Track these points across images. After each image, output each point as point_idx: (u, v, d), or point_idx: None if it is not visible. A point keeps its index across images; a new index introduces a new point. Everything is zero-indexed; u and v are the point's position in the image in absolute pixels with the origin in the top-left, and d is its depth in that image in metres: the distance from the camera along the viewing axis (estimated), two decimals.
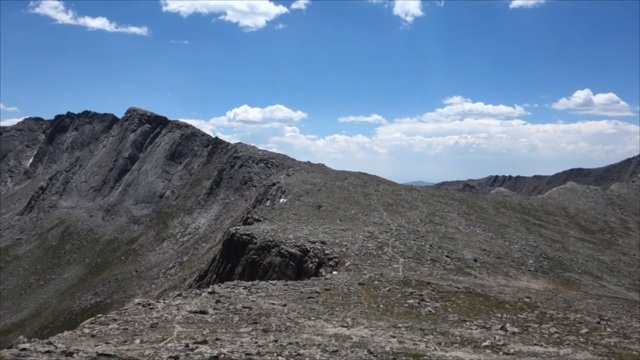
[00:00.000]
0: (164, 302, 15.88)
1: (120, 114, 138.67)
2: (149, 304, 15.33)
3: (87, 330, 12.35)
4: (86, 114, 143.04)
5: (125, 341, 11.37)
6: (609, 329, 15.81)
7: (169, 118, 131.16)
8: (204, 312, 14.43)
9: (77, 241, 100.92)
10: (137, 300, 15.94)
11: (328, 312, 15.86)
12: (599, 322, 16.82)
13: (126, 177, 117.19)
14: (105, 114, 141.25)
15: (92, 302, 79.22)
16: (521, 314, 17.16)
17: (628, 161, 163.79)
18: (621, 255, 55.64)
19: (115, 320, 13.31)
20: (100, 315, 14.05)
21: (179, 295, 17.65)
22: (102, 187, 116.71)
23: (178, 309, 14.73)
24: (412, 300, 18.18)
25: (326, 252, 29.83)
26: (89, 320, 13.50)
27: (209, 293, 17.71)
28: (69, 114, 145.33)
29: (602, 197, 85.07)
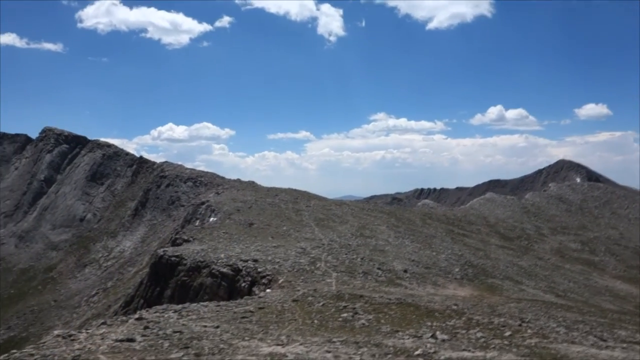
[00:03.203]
0: (87, 332, 14.95)
1: (34, 135, 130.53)
2: (70, 335, 14.37)
3: None
4: None
5: None
6: (529, 331, 16.73)
7: (89, 138, 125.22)
8: (131, 340, 13.73)
9: None
10: (56, 332, 14.89)
11: (262, 331, 15.62)
12: (520, 325, 17.76)
13: (42, 200, 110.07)
14: (18, 135, 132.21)
15: (5, 337, 73.11)
16: (450, 321, 17.77)
17: (539, 172, 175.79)
18: (537, 260, 59.39)
19: (32, 355, 12.34)
20: (14, 351, 12.96)
21: (103, 323, 16.68)
22: (15, 212, 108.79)
23: (102, 339, 13.91)
24: (345, 314, 18.32)
25: (259, 270, 29.47)
26: (2, 357, 12.42)
27: (136, 319, 16.89)
28: None
29: (518, 206, 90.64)
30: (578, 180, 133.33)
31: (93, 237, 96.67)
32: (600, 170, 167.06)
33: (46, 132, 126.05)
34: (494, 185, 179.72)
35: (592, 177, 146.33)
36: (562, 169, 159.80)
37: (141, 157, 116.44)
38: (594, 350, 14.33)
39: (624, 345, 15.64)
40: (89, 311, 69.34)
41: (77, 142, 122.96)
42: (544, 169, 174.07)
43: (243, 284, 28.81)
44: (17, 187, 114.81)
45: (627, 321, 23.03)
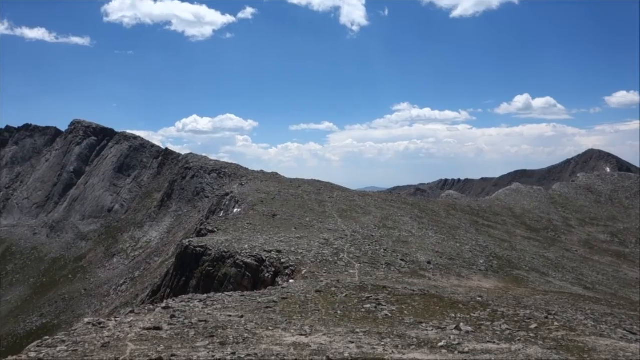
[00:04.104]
0: (116, 320, 15.33)
1: (63, 127, 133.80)
2: (100, 323, 14.76)
3: (33, 354, 11.74)
4: (27, 127, 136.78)
5: None
6: (556, 323, 16.49)
7: (116, 130, 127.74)
8: (158, 328, 14.02)
9: (20, 261, 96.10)
10: (86, 320, 15.31)
11: (286, 321, 15.77)
12: (546, 317, 17.51)
13: (72, 191, 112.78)
14: (48, 127, 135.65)
15: (38, 324, 75.52)
16: (474, 313, 17.64)
17: (567, 162, 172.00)
18: (564, 251, 58.30)
19: (63, 341, 12.72)
20: (47, 337, 13.40)
21: (132, 311, 17.08)
22: (46, 203, 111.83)
23: (131, 327, 14.25)
24: (369, 305, 18.35)
25: (282, 260, 29.69)
26: (34, 343, 12.84)
27: (163, 308, 17.23)
28: (8, 128, 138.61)
29: (545, 196, 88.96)
30: (608, 170, 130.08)
31: (121, 227, 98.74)
32: (631, 160, 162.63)
33: (75, 125, 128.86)
34: (520, 176, 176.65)
35: (622, 166, 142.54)
36: (592, 159, 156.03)
37: (166, 149, 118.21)
38: (623, 344, 14.05)
39: None
40: (117, 300, 71.04)
41: (104, 134, 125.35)
42: (572, 158, 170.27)
43: (267, 275, 29.08)
44: (48, 178, 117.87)
45: None
